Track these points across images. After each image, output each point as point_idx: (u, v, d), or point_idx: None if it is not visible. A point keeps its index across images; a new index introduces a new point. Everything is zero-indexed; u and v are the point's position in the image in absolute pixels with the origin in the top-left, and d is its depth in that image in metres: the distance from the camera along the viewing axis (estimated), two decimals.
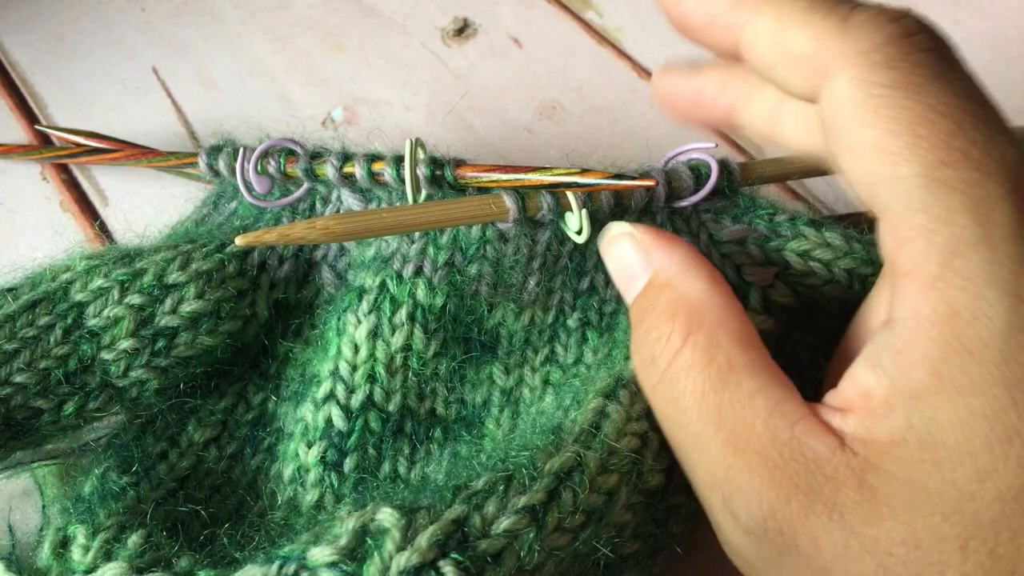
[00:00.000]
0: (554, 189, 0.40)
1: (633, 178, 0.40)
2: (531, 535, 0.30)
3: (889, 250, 0.30)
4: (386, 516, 0.29)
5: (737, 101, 0.38)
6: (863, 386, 0.30)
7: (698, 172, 0.41)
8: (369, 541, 0.29)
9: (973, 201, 0.28)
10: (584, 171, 0.40)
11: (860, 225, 0.40)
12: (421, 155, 0.42)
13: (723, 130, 0.40)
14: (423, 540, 0.28)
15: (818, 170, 0.41)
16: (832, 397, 0.31)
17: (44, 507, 0.40)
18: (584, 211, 0.39)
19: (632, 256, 0.37)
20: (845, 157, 0.31)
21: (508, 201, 0.39)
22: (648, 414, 0.34)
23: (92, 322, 0.36)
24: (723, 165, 0.41)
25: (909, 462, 0.28)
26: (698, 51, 0.37)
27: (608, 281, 0.42)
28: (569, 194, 0.40)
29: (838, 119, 0.31)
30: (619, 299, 0.42)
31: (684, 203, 0.41)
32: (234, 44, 0.61)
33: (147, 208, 0.52)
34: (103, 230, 0.52)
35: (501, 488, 0.30)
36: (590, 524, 0.31)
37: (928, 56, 0.30)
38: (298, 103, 0.58)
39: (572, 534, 0.31)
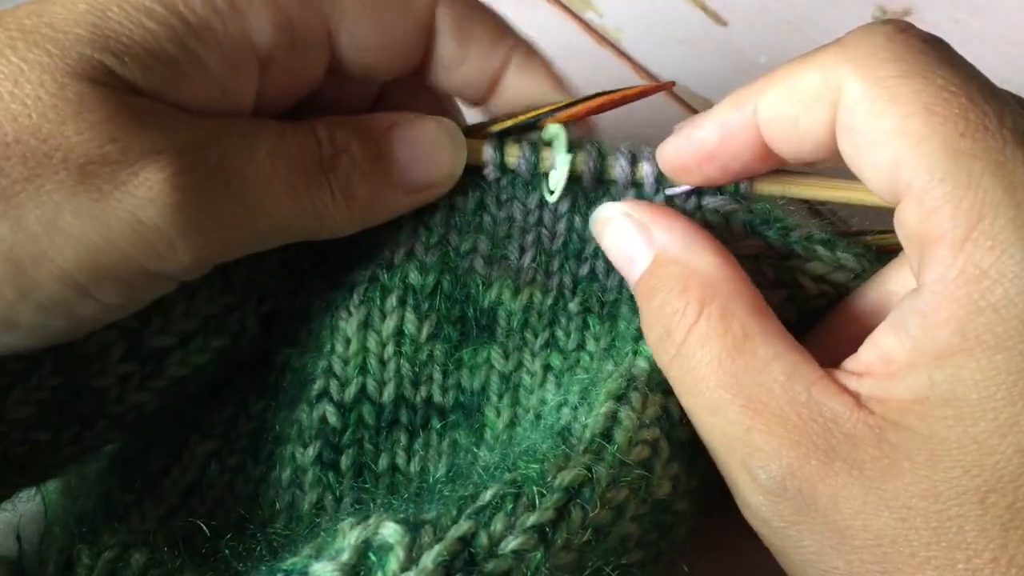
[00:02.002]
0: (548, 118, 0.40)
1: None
2: (539, 556, 0.29)
3: (915, 224, 0.31)
4: (390, 531, 0.29)
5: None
6: (884, 350, 0.31)
7: None
8: (372, 557, 0.28)
9: (995, 166, 0.29)
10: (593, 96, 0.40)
11: (868, 242, 0.40)
12: None
13: (761, 170, 0.38)
14: (428, 560, 0.28)
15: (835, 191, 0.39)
16: (850, 362, 0.32)
17: (46, 510, 0.40)
18: (566, 159, 0.38)
19: (632, 235, 0.37)
20: (866, 154, 0.32)
21: (487, 148, 0.39)
22: (660, 420, 0.34)
23: (82, 350, 0.36)
24: None
25: (930, 418, 0.29)
26: None
27: (609, 269, 0.41)
28: (551, 126, 0.39)
29: (855, 119, 0.32)
30: (620, 288, 0.41)
31: (678, 190, 0.40)
32: None
33: None
34: None
35: (509, 504, 0.30)
36: (597, 540, 0.31)
37: (927, 46, 0.32)
38: None
39: (578, 552, 0.30)
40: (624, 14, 0.61)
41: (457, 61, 0.39)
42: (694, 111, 0.57)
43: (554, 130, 0.39)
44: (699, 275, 0.34)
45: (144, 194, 0.31)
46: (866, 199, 0.38)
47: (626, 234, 0.37)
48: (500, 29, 0.40)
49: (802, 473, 0.30)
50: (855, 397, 0.31)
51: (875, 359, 0.31)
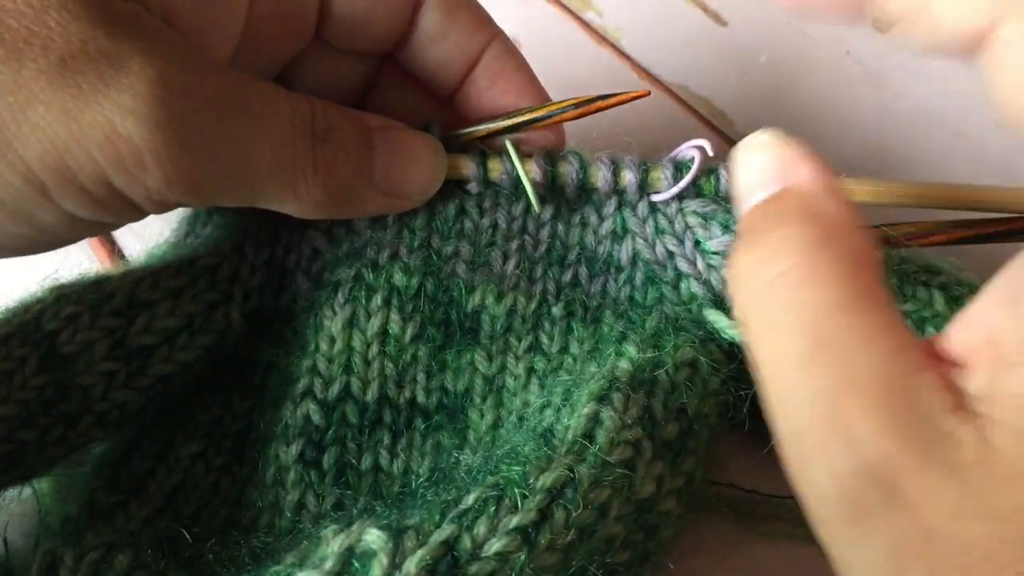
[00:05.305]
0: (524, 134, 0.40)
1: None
2: (522, 558, 0.29)
3: None
4: (373, 538, 0.29)
5: None
6: (990, 328, 0.26)
7: (682, 167, 0.40)
8: (356, 564, 0.28)
9: None
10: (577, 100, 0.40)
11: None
12: None
13: (857, 13, 0.32)
14: (412, 565, 0.28)
15: None
16: (944, 345, 0.28)
17: (41, 512, 0.40)
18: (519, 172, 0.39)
19: (771, 164, 0.31)
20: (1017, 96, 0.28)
21: (470, 164, 0.40)
22: (642, 420, 0.34)
23: (66, 348, 0.35)
24: (708, 161, 0.40)
25: None
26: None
27: (592, 275, 0.42)
28: (509, 146, 0.40)
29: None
30: (603, 293, 0.41)
31: (662, 196, 0.40)
32: None
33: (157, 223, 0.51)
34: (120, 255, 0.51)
35: (492, 507, 0.30)
36: (581, 541, 0.31)
37: None
38: None
39: (563, 552, 0.30)
40: (624, 14, 0.60)
41: (439, 35, 0.39)
42: (694, 111, 0.57)
43: (506, 146, 0.40)
44: (828, 216, 0.29)
45: (125, 102, 0.30)
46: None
47: (766, 160, 0.31)
48: (485, 17, 0.41)
49: (895, 465, 0.25)
50: (957, 392, 0.26)
51: (977, 340, 0.26)
